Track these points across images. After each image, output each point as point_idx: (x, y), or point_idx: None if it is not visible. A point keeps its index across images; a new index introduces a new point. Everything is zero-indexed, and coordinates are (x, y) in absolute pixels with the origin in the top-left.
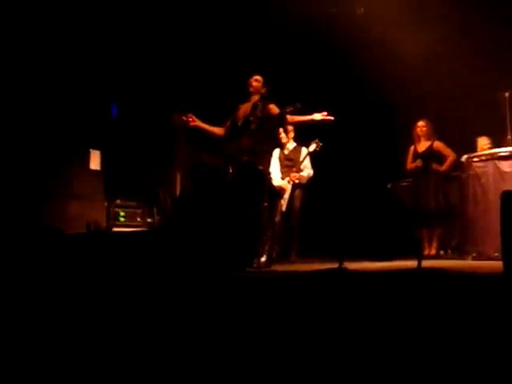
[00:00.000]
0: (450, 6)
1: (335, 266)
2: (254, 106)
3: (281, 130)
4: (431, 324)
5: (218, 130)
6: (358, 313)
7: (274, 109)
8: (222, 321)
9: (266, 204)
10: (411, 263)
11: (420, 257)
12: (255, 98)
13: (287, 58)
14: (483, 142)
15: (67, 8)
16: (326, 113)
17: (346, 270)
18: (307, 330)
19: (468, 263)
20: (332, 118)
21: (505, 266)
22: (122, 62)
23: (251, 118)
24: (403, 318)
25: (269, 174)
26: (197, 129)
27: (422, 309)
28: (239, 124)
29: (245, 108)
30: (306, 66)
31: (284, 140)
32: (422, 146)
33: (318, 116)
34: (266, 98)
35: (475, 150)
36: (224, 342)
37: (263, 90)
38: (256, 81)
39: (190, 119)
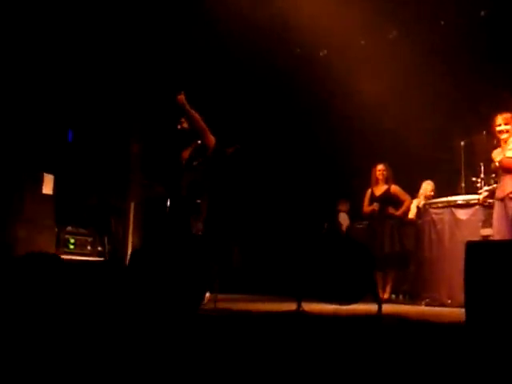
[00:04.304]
0: (410, 55)
1: (293, 307)
2: (196, 149)
3: None
4: (395, 373)
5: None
6: (317, 359)
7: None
8: (174, 362)
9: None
10: (369, 307)
11: (380, 302)
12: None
13: (248, 95)
14: (427, 188)
15: (25, 32)
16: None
17: (305, 312)
18: (261, 375)
19: (423, 309)
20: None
21: (467, 315)
22: (80, 88)
23: (195, 162)
24: (365, 366)
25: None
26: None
27: (385, 358)
28: (183, 164)
29: (186, 152)
30: (264, 104)
31: None
32: (380, 189)
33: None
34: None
35: (417, 193)
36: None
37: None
38: (180, 123)
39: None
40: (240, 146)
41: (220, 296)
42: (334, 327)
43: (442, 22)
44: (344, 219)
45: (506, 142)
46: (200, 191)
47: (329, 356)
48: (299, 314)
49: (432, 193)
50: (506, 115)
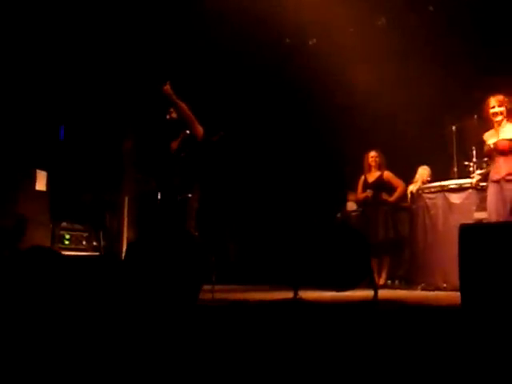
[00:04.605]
0: (399, 41)
1: (290, 295)
2: (184, 139)
3: None
4: (392, 358)
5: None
6: (315, 346)
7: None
8: (174, 353)
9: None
10: (365, 293)
11: (376, 287)
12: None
13: (239, 85)
14: (424, 173)
15: (15, 29)
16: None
17: (302, 300)
18: (260, 363)
19: (419, 294)
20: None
21: (462, 298)
22: (72, 85)
23: (183, 153)
24: (363, 351)
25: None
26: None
27: (382, 342)
28: (173, 154)
29: (175, 143)
30: (256, 95)
31: None
32: (372, 176)
33: None
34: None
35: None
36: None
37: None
38: (168, 113)
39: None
40: (224, 132)
41: (217, 287)
42: (332, 313)
43: (431, 8)
44: (352, 208)
45: (499, 124)
46: (190, 184)
47: (328, 342)
48: (296, 301)
49: (429, 178)
50: (499, 97)
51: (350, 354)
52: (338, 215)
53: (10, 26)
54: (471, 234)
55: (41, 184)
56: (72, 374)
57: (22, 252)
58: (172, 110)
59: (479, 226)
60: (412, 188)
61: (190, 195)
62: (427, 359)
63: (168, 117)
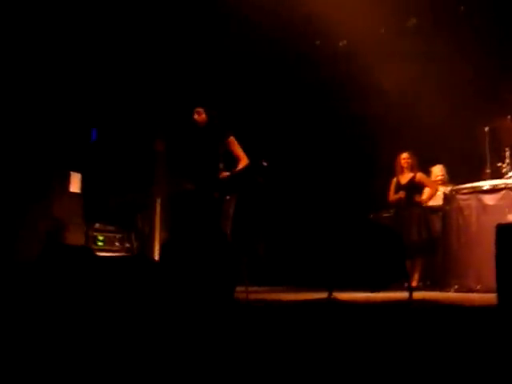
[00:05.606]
0: (430, 42)
1: (324, 296)
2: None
3: None
4: (427, 358)
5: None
6: (350, 346)
7: (234, 144)
8: (207, 355)
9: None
10: (400, 294)
11: (411, 288)
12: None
13: (269, 89)
14: (435, 171)
15: (50, 32)
16: None
17: (336, 300)
18: (295, 362)
19: (452, 295)
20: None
21: (499, 298)
22: (103, 87)
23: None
24: (398, 351)
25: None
26: None
27: (418, 343)
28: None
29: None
30: (286, 98)
31: None
32: (405, 177)
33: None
34: (219, 126)
35: None
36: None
37: (210, 118)
38: (197, 113)
39: None
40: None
41: (250, 288)
42: (367, 313)
43: (462, 8)
44: None
45: None
46: (230, 187)
47: (363, 342)
48: (331, 301)
49: (441, 177)
50: None
51: (386, 354)
52: (371, 216)
53: (43, 30)
54: (508, 233)
55: (75, 186)
56: (102, 373)
57: (58, 250)
58: (199, 109)
59: None
60: (443, 189)
61: (227, 197)
62: (464, 359)
63: (196, 117)
